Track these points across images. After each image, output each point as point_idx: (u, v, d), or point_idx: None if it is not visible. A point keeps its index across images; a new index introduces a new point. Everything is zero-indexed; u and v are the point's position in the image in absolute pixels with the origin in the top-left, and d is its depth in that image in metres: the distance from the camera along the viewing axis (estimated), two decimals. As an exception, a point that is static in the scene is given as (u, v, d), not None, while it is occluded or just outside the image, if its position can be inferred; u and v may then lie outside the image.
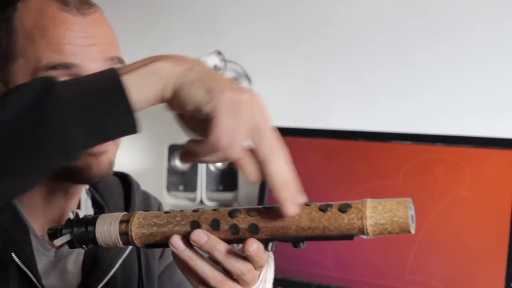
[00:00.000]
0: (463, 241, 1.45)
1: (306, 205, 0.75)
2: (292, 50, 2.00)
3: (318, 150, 1.64)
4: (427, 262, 1.47)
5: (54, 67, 0.89)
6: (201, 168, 1.95)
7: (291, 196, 0.73)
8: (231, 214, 0.77)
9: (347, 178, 1.59)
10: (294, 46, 2.00)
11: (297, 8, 1.99)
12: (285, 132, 1.69)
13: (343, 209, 0.73)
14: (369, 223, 0.72)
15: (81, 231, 0.80)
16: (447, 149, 1.50)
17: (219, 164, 1.97)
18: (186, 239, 0.77)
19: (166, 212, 0.80)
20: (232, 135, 0.69)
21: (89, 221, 0.81)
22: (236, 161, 0.72)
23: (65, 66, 0.89)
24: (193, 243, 0.76)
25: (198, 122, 0.72)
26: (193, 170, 1.96)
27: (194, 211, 0.79)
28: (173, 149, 1.98)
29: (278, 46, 2.02)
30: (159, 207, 1.16)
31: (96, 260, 1.00)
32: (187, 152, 0.73)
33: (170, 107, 0.75)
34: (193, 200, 1.96)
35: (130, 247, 1.03)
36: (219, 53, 2.02)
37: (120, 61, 0.95)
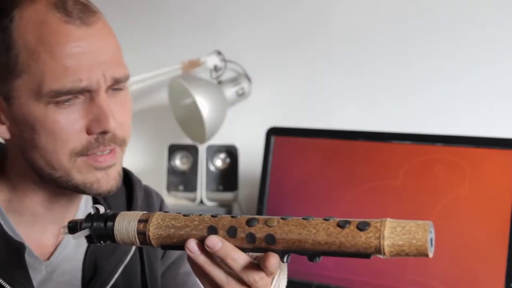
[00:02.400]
0: (463, 241, 1.45)
1: (325, 219, 0.75)
2: (292, 50, 2.00)
3: (318, 150, 1.64)
4: (427, 262, 1.47)
5: (65, 92, 0.88)
6: (201, 168, 1.95)
7: None
8: (249, 222, 0.77)
9: (347, 178, 1.59)
10: (294, 46, 2.00)
11: (297, 8, 1.99)
12: (285, 132, 1.70)
13: (362, 227, 0.73)
14: (386, 243, 0.72)
15: (100, 227, 0.82)
16: (447, 149, 1.50)
17: (219, 164, 1.97)
18: (202, 243, 0.77)
19: (185, 215, 0.80)
20: None
21: (109, 218, 0.82)
22: None
23: (77, 90, 0.89)
24: (207, 249, 0.77)
25: None
26: (193, 170, 1.96)
27: (212, 216, 0.79)
28: (173, 149, 1.98)
29: (278, 46, 2.02)
30: (161, 203, 1.16)
31: (96, 267, 1.00)
32: None
33: None
34: (193, 200, 1.96)
35: (132, 252, 1.03)
36: (219, 53, 2.02)
37: (126, 78, 0.94)
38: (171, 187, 1.98)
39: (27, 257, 0.94)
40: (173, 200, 1.99)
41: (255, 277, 0.77)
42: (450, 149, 1.49)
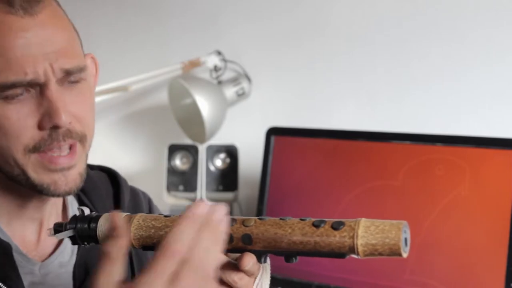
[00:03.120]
0: (463, 241, 1.45)
1: (301, 219, 0.75)
2: (292, 50, 2.00)
3: (318, 150, 1.64)
4: (427, 262, 1.47)
5: (11, 85, 0.85)
6: (201, 168, 1.95)
7: None
8: None
9: (347, 178, 1.59)
10: (294, 46, 2.00)
11: (297, 8, 1.99)
12: (285, 132, 1.70)
13: (336, 226, 0.73)
14: (360, 242, 0.71)
15: (84, 228, 0.82)
16: (447, 149, 1.50)
17: (219, 164, 1.97)
18: None
19: (166, 216, 0.80)
20: None
21: (93, 219, 0.82)
22: None
23: (23, 83, 0.85)
24: None
25: None
26: (193, 170, 1.96)
27: None
28: (173, 149, 1.98)
29: (278, 46, 2.02)
30: (149, 202, 1.16)
31: (87, 271, 0.99)
32: None
33: None
34: (193, 200, 1.96)
35: None
36: (219, 53, 2.02)
37: (79, 69, 0.90)
38: (171, 187, 1.98)
39: (17, 257, 0.93)
40: (173, 200, 1.99)
41: (234, 277, 0.76)
42: (450, 149, 1.49)
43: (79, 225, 0.82)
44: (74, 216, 0.83)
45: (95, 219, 0.82)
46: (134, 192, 1.14)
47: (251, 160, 1.92)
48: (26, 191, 0.93)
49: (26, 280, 0.94)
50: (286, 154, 1.68)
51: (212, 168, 1.96)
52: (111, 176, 1.11)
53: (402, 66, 1.87)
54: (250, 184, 1.93)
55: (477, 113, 1.78)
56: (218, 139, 1.98)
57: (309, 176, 1.64)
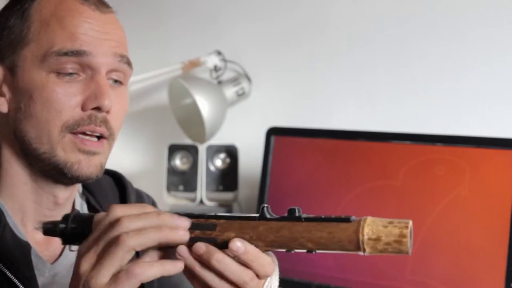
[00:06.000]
0: (463, 241, 1.45)
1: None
2: (292, 50, 2.00)
3: (318, 150, 1.64)
4: (427, 262, 1.47)
5: (66, 53, 0.91)
6: (201, 168, 1.95)
7: None
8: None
9: (347, 178, 1.59)
10: (294, 46, 2.00)
11: (297, 8, 1.99)
12: (285, 132, 1.70)
13: (342, 221, 0.73)
14: (365, 239, 0.72)
15: (74, 228, 0.79)
16: (447, 149, 1.50)
17: (219, 164, 1.97)
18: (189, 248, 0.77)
19: None
20: None
21: (86, 220, 0.79)
22: None
23: (77, 53, 0.91)
24: (194, 254, 0.76)
25: None
26: (193, 170, 1.96)
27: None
28: (173, 149, 1.98)
29: (278, 46, 2.02)
30: (153, 205, 1.16)
31: None
32: None
33: None
34: (193, 200, 1.96)
35: None
36: (219, 53, 2.02)
37: (128, 62, 0.97)
38: (171, 187, 1.98)
39: (33, 257, 0.93)
40: (173, 200, 1.99)
41: (244, 276, 0.76)
42: (450, 149, 1.49)
43: (70, 226, 0.79)
44: (66, 216, 0.80)
45: (88, 220, 0.78)
46: (139, 194, 1.15)
47: (251, 160, 1.91)
48: (43, 184, 0.95)
49: (39, 280, 0.94)
50: (286, 154, 1.68)
51: (212, 168, 1.96)
52: (117, 179, 1.11)
53: (402, 66, 1.87)
54: (250, 184, 1.93)
55: (477, 113, 1.78)
56: (218, 139, 1.98)
57: (309, 176, 1.64)
